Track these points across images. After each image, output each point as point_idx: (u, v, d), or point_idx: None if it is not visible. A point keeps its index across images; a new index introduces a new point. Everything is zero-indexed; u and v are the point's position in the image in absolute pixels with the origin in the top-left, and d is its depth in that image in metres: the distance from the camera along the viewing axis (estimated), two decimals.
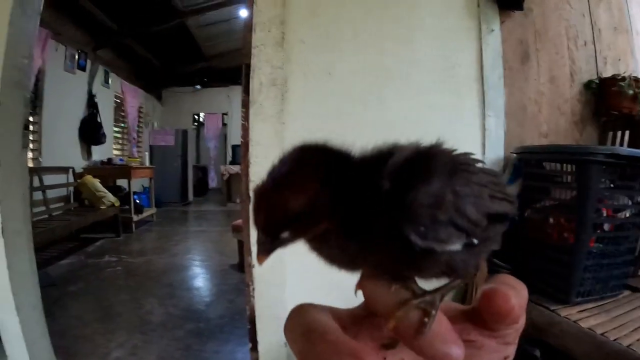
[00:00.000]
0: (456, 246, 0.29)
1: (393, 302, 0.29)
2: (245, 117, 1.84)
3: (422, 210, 0.27)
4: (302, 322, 0.30)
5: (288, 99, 1.87)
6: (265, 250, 0.29)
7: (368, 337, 0.31)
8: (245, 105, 1.84)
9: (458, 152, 0.33)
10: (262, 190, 0.29)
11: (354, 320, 0.32)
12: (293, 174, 0.29)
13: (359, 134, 1.77)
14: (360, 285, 0.32)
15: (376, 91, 1.96)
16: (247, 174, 1.83)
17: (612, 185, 1.61)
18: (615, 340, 1.32)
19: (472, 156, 0.33)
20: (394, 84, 1.97)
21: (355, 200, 0.28)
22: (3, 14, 1.97)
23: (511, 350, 0.30)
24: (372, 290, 0.30)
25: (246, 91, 1.84)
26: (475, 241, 0.30)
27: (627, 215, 1.71)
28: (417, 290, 0.29)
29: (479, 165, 0.33)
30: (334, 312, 0.32)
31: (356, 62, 1.96)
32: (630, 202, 1.70)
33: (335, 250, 0.30)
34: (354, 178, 0.28)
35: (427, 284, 0.30)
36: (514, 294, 0.28)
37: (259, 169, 1.82)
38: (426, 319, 0.27)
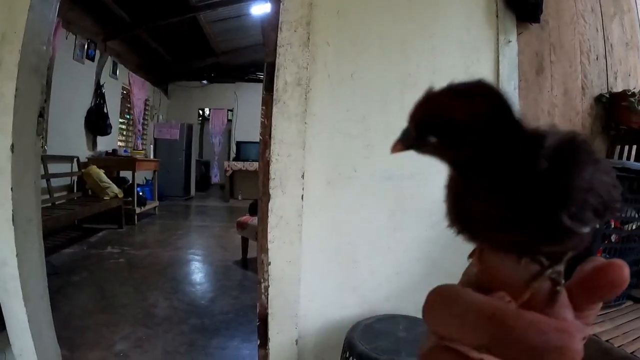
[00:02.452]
0: (588, 228, 0.29)
1: (525, 275, 0.29)
2: (266, 115, 1.85)
3: (577, 194, 0.28)
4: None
5: (311, 99, 1.89)
6: (406, 142, 0.30)
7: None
8: (267, 103, 1.85)
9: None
10: (435, 92, 0.29)
11: (482, 288, 0.31)
12: (476, 90, 0.28)
13: (381, 139, 1.79)
14: (479, 258, 0.32)
15: (398, 97, 1.97)
16: (266, 172, 1.85)
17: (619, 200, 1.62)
18: (619, 346, 1.34)
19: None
20: (416, 92, 1.96)
21: (508, 161, 0.28)
22: None
23: (589, 331, 0.31)
24: (499, 263, 0.31)
25: (269, 89, 1.85)
26: (597, 225, 0.31)
27: (634, 227, 1.73)
28: (545, 262, 0.30)
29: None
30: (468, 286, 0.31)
31: (380, 68, 1.97)
32: (637, 215, 1.72)
33: (478, 201, 0.29)
34: (512, 139, 0.28)
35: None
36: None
37: (281, 166, 1.85)
38: (558, 288, 0.29)
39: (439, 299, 0.30)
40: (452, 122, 0.28)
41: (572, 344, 0.25)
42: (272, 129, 1.83)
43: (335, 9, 1.92)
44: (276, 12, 1.87)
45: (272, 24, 1.90)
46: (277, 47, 1.83)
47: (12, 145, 1.97)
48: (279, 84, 1.83)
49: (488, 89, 0.28)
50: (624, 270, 0.28)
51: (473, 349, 0.28)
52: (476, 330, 0.27)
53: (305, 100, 1.85)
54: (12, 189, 1.99)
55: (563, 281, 0.29)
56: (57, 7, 2.25)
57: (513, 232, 0.29)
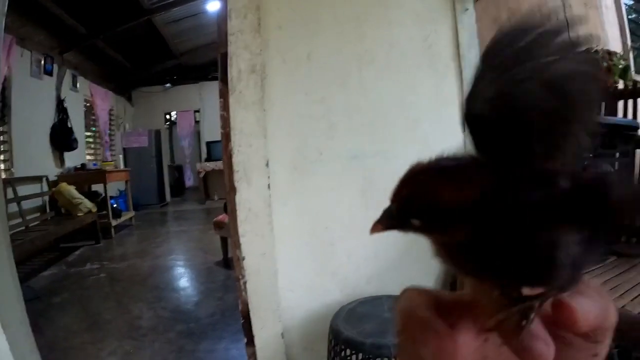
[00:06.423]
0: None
1: (494, 305, 0.30)
2: (225, 107, 1.79)
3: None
4: (401, 304, 0.33)
5: (268, 86, 1.84)
6: (386, 223, 0.29)
7: (471, 321, 0.32)
8: (224, 95, 1.79)
9: None
10: (422, 168, 0.28)
11: (458, 304, 0.33)
12: (465, 170, 0.28)
13: (343, 118, 1.75)
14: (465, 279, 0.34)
15: (356, 74, 1.94)
16: (230, 165, 1.79)
17: (592, 155, 1.61)
18: None
19: None
20: (373, 67, 1.95)
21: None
22: None
23: (600, 348, 0.31)
24: (475, 288, 0.33)
25: (224, 80, 1.79)
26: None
27: None
28: (517, 299, 0.30)
29: None
30: (437, 295, 0.33)
31: (335, 46, 1.93)
32: (611, 170, 1.72)
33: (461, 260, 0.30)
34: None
35: None
36: (583, 308, 0.28)
37: (243, 158, 1.80)
38: (524, 322, 0.28)
39: (397, 299, 0.34)
40: (438, 208, 0.27)
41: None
42: (231, 120, 1.78)
43: None
44: (225, 2, 1.80)
45: (222, 15, 1.84)
46: (228, 36, 1.77)
47: None
48: (232, 73, 1.77)
49: (478, 167, 0.28)
50: (573, 313, 0.28)
51: None
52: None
53: (261, 87, 1.80)
54: None
55: (532, 316, 0.28)
56: (3, 24, 2.14)
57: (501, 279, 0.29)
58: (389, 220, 0.29)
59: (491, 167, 0.27)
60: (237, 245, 1.82)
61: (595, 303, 0.29)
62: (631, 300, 1.36)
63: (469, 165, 0.28)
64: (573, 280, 0.29)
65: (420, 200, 0.27)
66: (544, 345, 0.28)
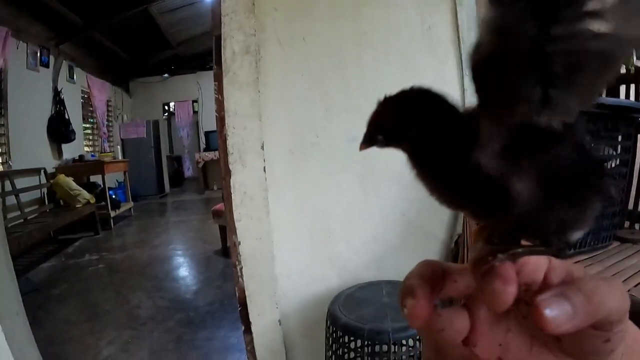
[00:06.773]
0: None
1: (475, 251, 0.35)
2: (219, 90, 1.75)
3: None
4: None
5: (263, 68, 1.79)
6: (365, 141, 0.36)
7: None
8: (219, 77, 1.75)
9: None
10: (381, 101, 0.35)
11: (465, 271, 0.36)
12: (398, 99, 0.35)
13: (341, 101, 1.71)
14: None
15: (354, 56, 1.89)
16: (224, 148, 1.76)
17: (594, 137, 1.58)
18: None
19: None
20: (372, 49, 1.90)
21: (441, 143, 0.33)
22: None
23: (612, 335, 0.30)
24: (475, 240, 0.37)
25: (218, 63, 1.75)
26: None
27: (612, 166, 1.70)
28: (496, 244, 0.34)
29: None
30: (447, 266, 0.37)
31: (332, 27, 1.88)
32: (614, 153, 1.69)
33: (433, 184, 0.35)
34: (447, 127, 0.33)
35: None
36: (556, 314, 0.28)
37: (238, 140, 1.76)
38: (490, 258, 0.31)
39: None
40: (385, 125, 0.35)
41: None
42: (225, 102, 1.74)
43: None
44: None
45: (217, 1, 1.80)
46: (222, 17, 1.73)
47: None
48: (226, 54, 1.73)
49: (410, 95, 0.34)
50: (542, 321, 0.28)
51: None
52: None
53: (256, 68, 1.76)
54: None
55: (500, 257, 0.32)
56: None
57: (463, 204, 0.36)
58: (366, 139, 0.36)
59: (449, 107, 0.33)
60: (233, 230, 1.79)
61: (582, 305, 0.28)
62: (634, 286, 1.34)
63: (417, 98, 0.34)
64: (550, 232, 0.32)
65: (377, 122, 0.35)
66: (501, 284, 0.30)
